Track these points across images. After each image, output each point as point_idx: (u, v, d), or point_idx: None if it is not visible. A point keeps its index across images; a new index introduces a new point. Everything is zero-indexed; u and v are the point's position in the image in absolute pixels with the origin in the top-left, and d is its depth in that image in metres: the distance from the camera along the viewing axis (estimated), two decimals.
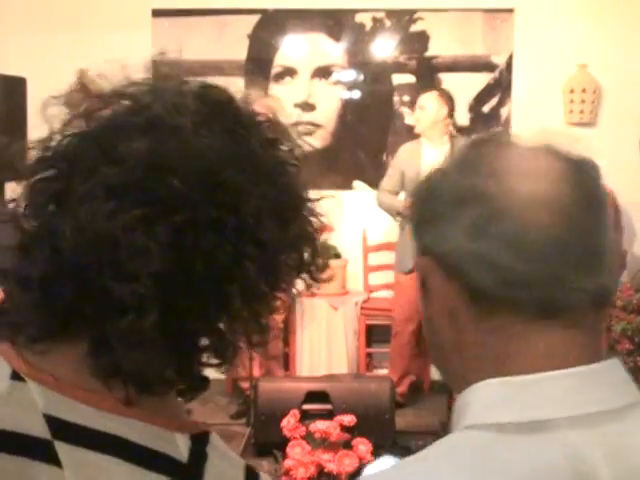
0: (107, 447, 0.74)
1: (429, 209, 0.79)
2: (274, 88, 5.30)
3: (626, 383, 0.75)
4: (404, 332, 4.74)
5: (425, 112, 4.59)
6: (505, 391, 0.72)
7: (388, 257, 5.22)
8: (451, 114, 4.68)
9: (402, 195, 4.70)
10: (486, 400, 0.73)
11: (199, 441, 0.81)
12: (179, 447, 0.78)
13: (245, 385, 4.75)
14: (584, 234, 0.74)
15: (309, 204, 0.87)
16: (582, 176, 0.76)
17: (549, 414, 0.70)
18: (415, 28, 5.26)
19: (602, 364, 0.74)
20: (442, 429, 4.23)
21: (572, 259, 0.73)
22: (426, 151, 4.62)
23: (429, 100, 4.62)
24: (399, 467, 0.74)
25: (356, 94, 5.35)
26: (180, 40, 5.30)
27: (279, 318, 4.78)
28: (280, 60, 5.32)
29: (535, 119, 5.16)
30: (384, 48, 5.29)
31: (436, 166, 0.81)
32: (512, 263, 0.72)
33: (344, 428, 3.69)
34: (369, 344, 5.15)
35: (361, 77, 5.33)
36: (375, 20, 5.27)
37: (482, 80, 5.25)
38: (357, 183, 5.37)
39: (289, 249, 0.84)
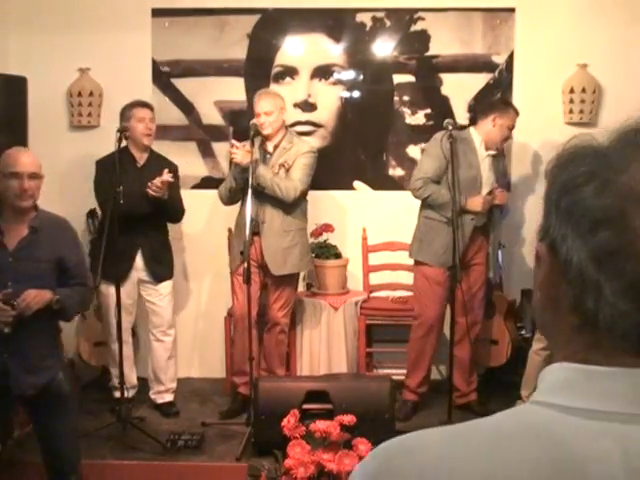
0: None
1: (566, 204, 0.77)
2: (274, 88, 5.30)
3: None
4: (432, 330, 4.64)
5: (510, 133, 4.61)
6: (578, 377, 0.75)
7: (388, 257, 5.22)
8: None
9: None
10: (558, 381, 0.76)
11: None
12: None
13: (236, 380, 4.75)
14: None
15: None
16: None
17: (614, 407, 0.72)
18: (415, 28, 5.26)
19: None
20: None
21: None
22: (481, 151, 4.54)
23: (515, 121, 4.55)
24: (470, 425, 0.78)
25: (356, 94, 5.35)
26: (180, 40, 5.30)
27: (284, 317, 4.78)
28: (280, 60, 5.32)
29: (535, 119, 5.16)
30: (384, 48, 5.29)
31: (589, 143, 0.78)
32: (626, 307, 0.72)
33: (344, 428, 3.69)
34: (369, 344, 5.15)
35: (361, 77, 5.33)
36: (375, 20, 5.27)
37: (482, 80, 5.25)
38: (357, 183, 5.36)
39: None
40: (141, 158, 4.64)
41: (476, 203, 4.47)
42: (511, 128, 4.55)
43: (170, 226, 5.04)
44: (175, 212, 4.70)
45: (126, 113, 4.64)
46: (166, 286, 4.75)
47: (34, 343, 3.08)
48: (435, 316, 4.63)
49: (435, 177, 4.48)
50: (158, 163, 4.63)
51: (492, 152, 4.56)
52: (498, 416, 0.78)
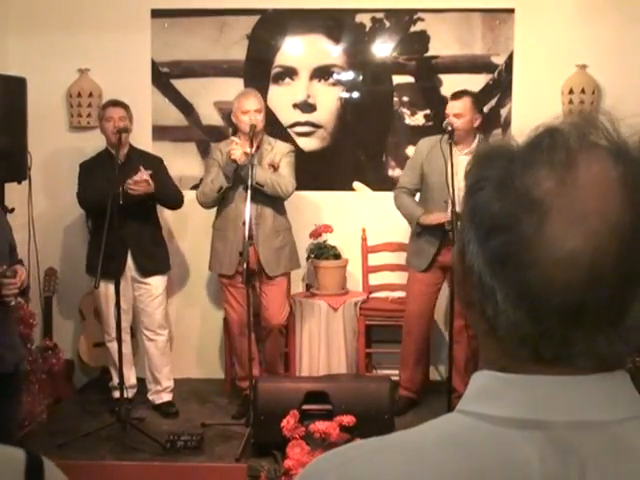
0: None
1: (469, 208, 0.75)
2: (274, 89, 5.31)
3: (625, 397, 0.73)
4: (419, 329, 4.72)
5: (462, 120, 4.43)
6: (494, 384, 0.74)
7: (388, 257, 5.22)
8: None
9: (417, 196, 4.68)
10: (478, 389, 0.75)
11: None
12: None
13: (243, 384, 4.75)
14: (613, 298, 0.70)
15: None
16: None
17: (529, 414, 0.71)
18: (415, 28, 5.26)
19: (605, 375, 0.72)
20: None
21: (589, 324, 0.70)
22: (455, 153, 4.49)
23: (463, 108, 4.46)
24: (391, 436, 0.78)
25: (356, 94, 5.35)
26: (179, 41, 5.30)
27: (283, 318, 4.78)
28: (280, 60, 5.32)
29: (534, 119, 5.15)
30: (384, 48, 5.29)
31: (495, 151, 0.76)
32: (518, 317, 0.71)
33: (343, 428, 3.69)
34: (368, 344, 5.15)
35: (361, 77, 5.33)
36: (375, 20, 5.27)
37: (482, 81, 5.25)
38: (357, 183, 5.36)
39: None
40: (121, 155, 4.62)
41: (427, 220, 4.48)
42: (452, 115, 4.44)
43: (173, 227, 5.06)
44: (171, 200, 4.71)
45: (100, 113, 4.75)
46: (157, 286, 4.73)
47: (7, 321, 3.16)
48: (414, 313, 4.70)
49: (410, 186, 4.63)
50: (139, 158, 4.63)
51: (467, 150, 4.45)
52: (426, 425, 0.77)
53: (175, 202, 4.75)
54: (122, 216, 4.31)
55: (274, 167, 4.60)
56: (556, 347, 0.71)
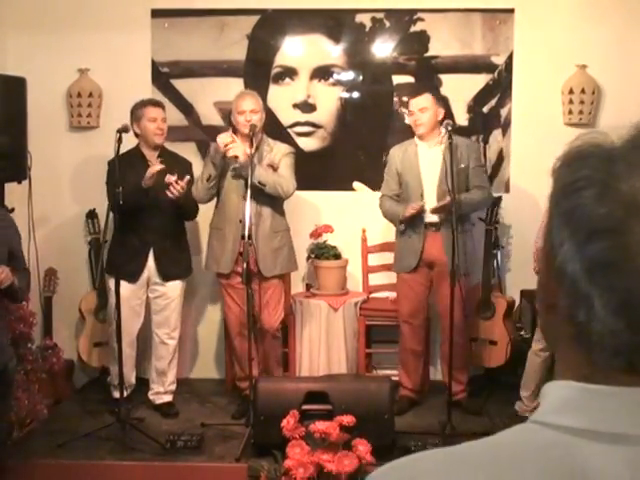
0: None
1: (566, 209, 0.72)
2: (274, 89, 5.31)
3: None
4: (412, 328, 4.75)
5: (427, 114, 4.56)
6: (581, 396, 0.71)
7: (388, 257, 5.22)
8: (447, 114, 4.74)
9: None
10: (562, 400, 0.72)
11: None
12: None
13: (243, 385, 4.75)
14: None
15: None
16: None
17: (619, 428, 0.68)
18: (415, 28, 5.26)
19: None
20: (442, 430, 4.24)
21: None
22: (422, 151, 4.62)
23: (427, 102, 4.59)
24: (466, 446, 0.74)
25: (356, 95, 5.35)
26: (179, 41, 5.30)
27: (276, 322, 4.77)
28: (280, 60, 5.32)
29: (534, 120, 5.16)
30: (384, 48, 5.29)
31: (594, 143, 0.74)
32: (617, 326, 0.68)
33: (343, 428, 3.69)
34: (369, 345, 5.15)
35: (361, 78, 5.33)
36: (375, 20, 5.27)
37: (482, 81, 5.25)
38: (357, 183, 5.36)
39: None
40: (152, 157, 4.62)
41: (406, 212, 4.53)
42: (417, 110, 4.57)
43: None
44: (190, 210, 4.70)
45: (137, 112, 4.63)
46: (175, 289, 4.71)
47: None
48: (407, 314, 4.75)
49: (391, 193, 4.72)
50: (170, 160, 4.60)
51: (435, 142, 4.57)
52: (497, 437, 0.74)
53: (192, 212, 4.73)
54: (147, 218, 4.30)
55: (273, 168, 4.59)
56: None
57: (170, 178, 4.37)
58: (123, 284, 4.38)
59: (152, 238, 4.54)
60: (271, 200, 4.57)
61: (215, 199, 4.67)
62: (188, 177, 4.42)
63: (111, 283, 4.45)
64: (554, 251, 0.72)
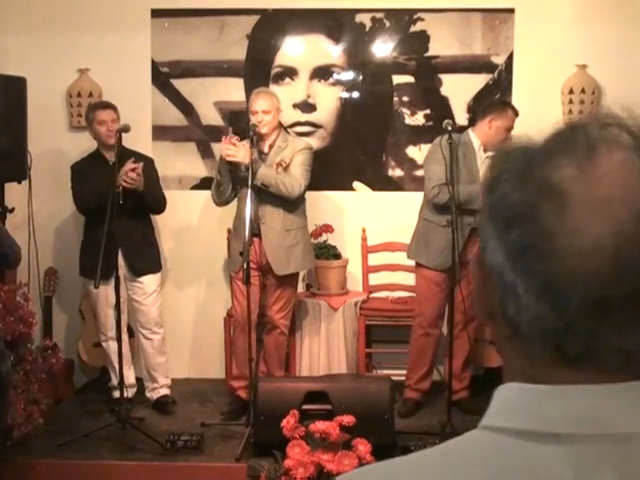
0: None
1: (488, 204, 0.73)
2: (274, 88, 5.30)
3: None
4: (435, 332, 4.68)
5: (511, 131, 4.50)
6: (522, 397, 0.70)
7: (388, 257, 5.22)
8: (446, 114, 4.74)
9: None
10: (505, 402, 0.72)
11: None
12: None
13: (235, 384, 4.75)
14: None
15: None
16: None
17: (559, 428, 0.67)
18: (415, 28, 5.25)
19: (632, 384, 0.69)
20: (442, 429, 4.24)
21: (616, 316, 0.67)
22: (480, 153, 4.53)
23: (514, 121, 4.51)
24: (417, 455, 0.74)
25: (356, 95, 5.35)
26: (179, 41, 5.30)
27: (285, 318, 4.78)
28: (280, 60, 5.32)
29: (534, 120, 5.15)
30: (384, 48, 5.29)
31: (512, 150, 0.74)
32: (541, 310, 0.68)
33: (343, 428, 3.70)
34: (368, 344, 5.15)
35: (361, 77, 5.33)
36: (375, 20, 5.27)
37: (482, 80, 5.25)
38: (356, 184, 5.36)
39: None
40: (111, 156, 4.60)
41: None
42: (509, 129, 4.49)
43: (172, 228, 5.04)
44: (155, 203, 4.69)
45: (89, 116, 4.72)
46: (150, 284, 4.74)
47: None
48: (432, 315, 4.65)
49: (442, 181, 4.41)
50: (129, 156, 4.59)
51: (490, 154, 4.53)
52: (448, 443, 0.74)
53: (158, 206, 4.74)
54: (115, 217, 4.31)
55: (283, 165, 4.56)
56: (581, 342, 0.67)
57: (127, 166, 4.41)
58: (102, 284, 4.38)
59: (120, 235, 4.54)
60: (282, 198, 4.53)
61: (236, 201, 4.70)
62: (141, 164, 4.45)
63: (89, 285, 4.52)
64: (484, 252, 0.73)
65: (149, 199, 4.61)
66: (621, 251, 0.65)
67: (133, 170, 4.41)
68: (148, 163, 4.67)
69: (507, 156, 0.73)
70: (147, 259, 4.75)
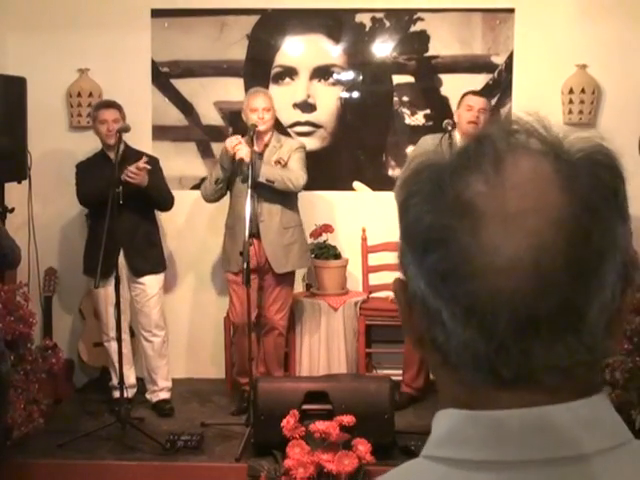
0: None
1: (403, 228, 0.69)
2: (274, 88, 5.30)
3: (606, 424, 0.67)
4: None
5: (484, 116, 4.54)
6: (467, 424, 0.67)
7: (388, 257, 5.22)
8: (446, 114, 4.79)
9: None
10: (443, 431, 0.68)
11: None
12: None
13: (242, 380, 4.75)
14: (568, 300, 0.64)
15: None
16: (588, 211, 0.64)
17: (505, 455, 0.64)
18: (415, 28, 5.25)
19: (577, 402, 0.66)
20: None
21: (545, 332, 0.64)
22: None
23: (487, 106, 4.61)
24: None
25: (356, 94, 5.35)
26: (179, 41, 5.30)
27: (283, 318, 4.78)
28: (280, 60, 5.32)
29: None
30: (384, 48, 5.29)
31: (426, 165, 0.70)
32: (472, 337, 0.64)
33: (343, 428, 3.70)
34: (369, 344, 5.15)
35: (361, 77, 5.33)
36: (375, 20, 5.27)
37: (482, 80, 5.25)
38: (357, 184, 5.36)
39: None
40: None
41: None
42: (470, 108, 4.53)
43: (171, 228, 5.04)
44: (161, 199, 4.68)
45: (92, 115, 4.73)
46: (152, 286, 4.72)
47: None
48: None
49: None
50: (134, 156, 4.60)
51: None
52: (392, 472, 0.71)
53: (165, 203, 4.73)
54: (117, 215, 4.32)
55: (281, 163, 4.60)
56: (515, 363, 0.64)
57: (140, 164, 4.43)
58: (104, 284, 4.39)
59: (122, 235, 4.54)
60: (281, 196, 4.57)
61: (229, 199, 4.70)
62: (145, 158, 4.45)
63: (91, 284, 4.50)
64: (405, 278, 0.70)
65: (154, 195, 4.59)
66: (541, 265, 0.62)
67: (137, 167, 4.41)
68: (153, 163, 4.68)
69: (417, 176, 0.69)
70: (148, 259, 4.72)
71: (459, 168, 0.67)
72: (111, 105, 4.69)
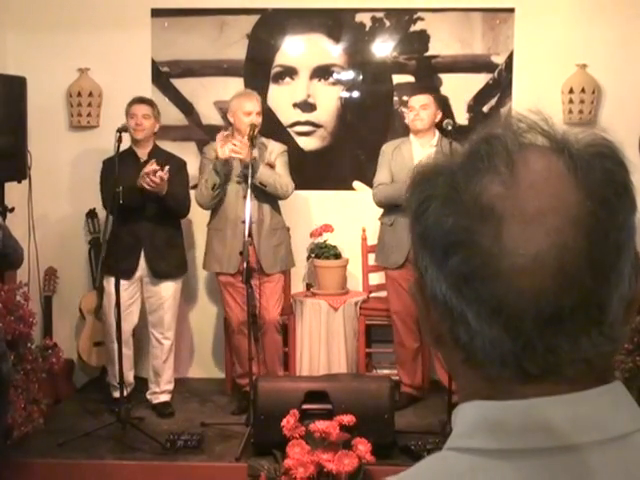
0: None
1: (419, 232, 0.71)
2: (274, 88, 5.31)
3: (628, 407, 0.69)
4: (405, 325, 4.77)
5: (427, 111, 4.61)
6: (496, 414, 0.68)
7: None
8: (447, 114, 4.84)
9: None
10: (470, 423, 0.69)
11: None
12: None
13: (243, 381, 4.75)
14: (591, 294, 0.66)
15: None
16: (604, 208, 0.66)
17: (537, 442, 0.66)
18: (415, 28, 5.25)
19: (600, 389, 0.68)
20: (442, 429, 4.24)
21: (570, 327, 0.66)
22: (416, 150, 4.66)
23: (429, 100, 4.65)
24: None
25: (356, 94, 5.35)
26: (179, 40, 5.30)
27: (278, 313, 4.79)
28: (280, 60, 5.32)
29: None
30: (384, 48, 5.29)
31: (436, 167, 0.72)
32: (495, 335, 0.66)
33: (344, 428, 3.70)
34: (369, 344, 5.15)
35: (361, 77, 5.33)
36: (375, 20, 5.27)
37: (482, 80, 5.25)
38: (357, 183, 5.36)
39: None
40: (143, 154, 4.64)
41: None
42: (413, 109, 4.66)
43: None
44: (176, 207, 4.63)
45: (126, 110, 4.68)
46: (167, 289, 4.69)
47: None
48: (395, 311, 4.79)
49: (387, 181, 4.74)
50: (162, 158, 4.58)
51: (431, 143, 4.65)
52: (415, 469, 0.71)
53: (179, 210, 4.69)
54: (140, 215, 4.30)
55: (270, 167, 4.64)
56: (541, 359, 0.66)
57: (148, 168, 4.36)
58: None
59: (144, 236, 4.53)
60: (270, 199, 4.64)
61: None
62: (167, 167, 4.40)
63: (106, 282, 4.47)
64: (423, 280, 0.71)
65: (170, 203, 4.54)
66: (564, 263, 0.64)
67: (154, 173, 4.34)
68: (179, 165, 4.65)
69: (429, 182, 0.70)
70: (169, 262, 4.68)
71: (472, 170, 0.68)
72: (143, 101, 4.67)
